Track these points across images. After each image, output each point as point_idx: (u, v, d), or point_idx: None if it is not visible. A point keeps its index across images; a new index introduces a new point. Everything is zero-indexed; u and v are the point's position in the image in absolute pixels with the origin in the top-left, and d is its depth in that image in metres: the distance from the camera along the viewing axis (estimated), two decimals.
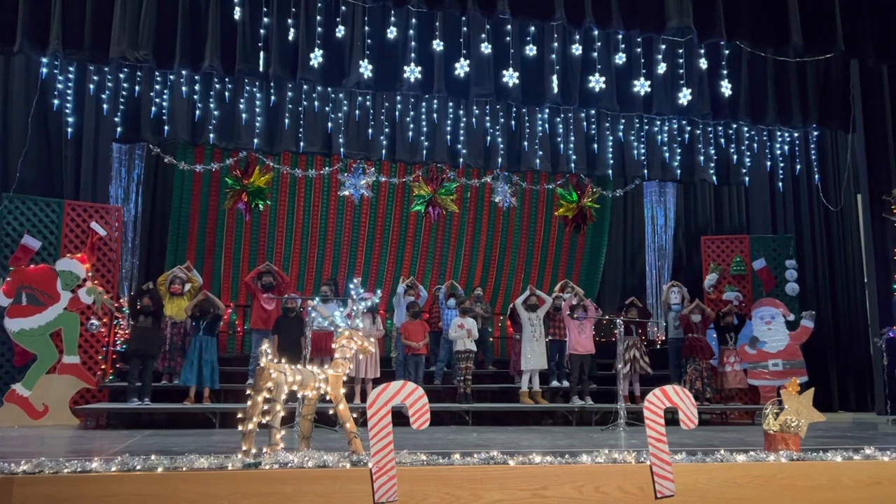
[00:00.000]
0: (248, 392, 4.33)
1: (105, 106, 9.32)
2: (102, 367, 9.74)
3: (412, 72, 8.66)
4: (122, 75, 9.24)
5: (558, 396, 10.52)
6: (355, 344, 4.78)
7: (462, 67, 8.77)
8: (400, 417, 3.91)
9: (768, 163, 11.26)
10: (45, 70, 9.07)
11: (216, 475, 3.87)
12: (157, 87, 9.34)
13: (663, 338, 12.22)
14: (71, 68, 9.23)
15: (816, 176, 11.48)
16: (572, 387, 10.13)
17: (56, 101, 9.22)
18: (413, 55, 8.73)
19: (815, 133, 11.27)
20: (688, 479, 4.33)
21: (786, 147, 11.32)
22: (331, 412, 4.62)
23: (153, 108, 9.36)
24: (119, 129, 9.36)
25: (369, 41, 8.67)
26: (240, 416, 4.29)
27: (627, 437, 7.34)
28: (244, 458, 4.00)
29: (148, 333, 9.12)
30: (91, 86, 9.24)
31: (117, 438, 6.75)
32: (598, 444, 6.36)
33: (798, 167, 11.63)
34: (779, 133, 11.10)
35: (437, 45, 8.75)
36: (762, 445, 5.03)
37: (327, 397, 4.58)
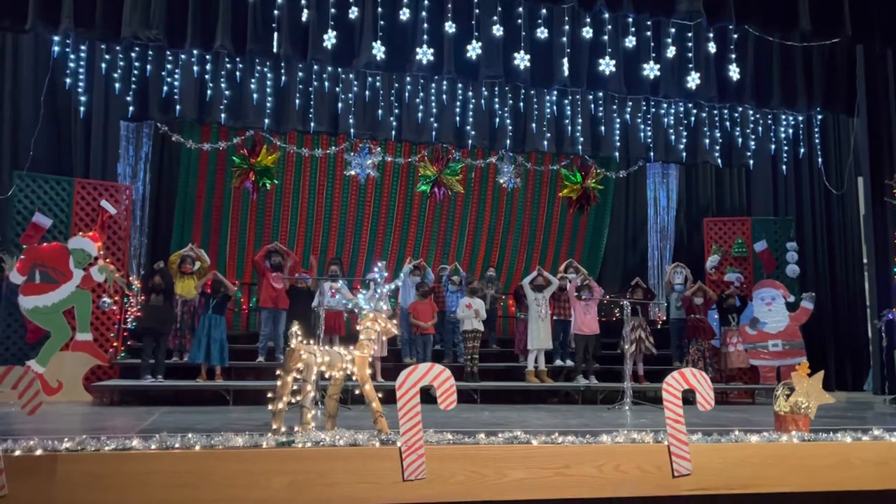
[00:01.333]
0: (277, 372, 4.44)
1: (117, 85, 9.32)
2: (114, 344, 9.85)
3: (424, 53, 8.70)
4: (133, 54, 9.24)
5: (562, 376, 10.69)
6: (379, 326, 4.90)
7: (473, 49, 8.81)
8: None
9: (772, 146, 11.36)
10: (56, 49, 9.07)
11: (251, 453, 4.00)
12: (169, 66, 9.35)
13: (664, 318, 12.38)
14: (83, 47, 9.23)
15: (819, 159, 11.59)
16: (577, 366, 10.31)
17: (68, 80, 9.23)
18: (425, 37, 8.76)
19: (819, 117, 11.36)
20: (703, 459, 4.48)
21: (790, 130, 11.42)
22: (356, 392, 4.74)
23: (164, 88, 9.37)
24: (131, 108, 9.36)
25: (382, 22, 8.70)
26: (269, 395, 4.41)
27: (634, 416, 7.50)
28: (277, 437, 4.12)
29: (159, 311, 9.22)
30: (103, 65, 9.24)
31: (137, 415, 6.87)
32: (608, 423, 6.52)
33: (802, 150, 11.74)
34: (783, 116, 11.18)
35: (449, 27, 8.78)
36: (771, 426, 5.18)
37: (353, 378, 4.71)
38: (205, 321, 9.21)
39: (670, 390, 4.50)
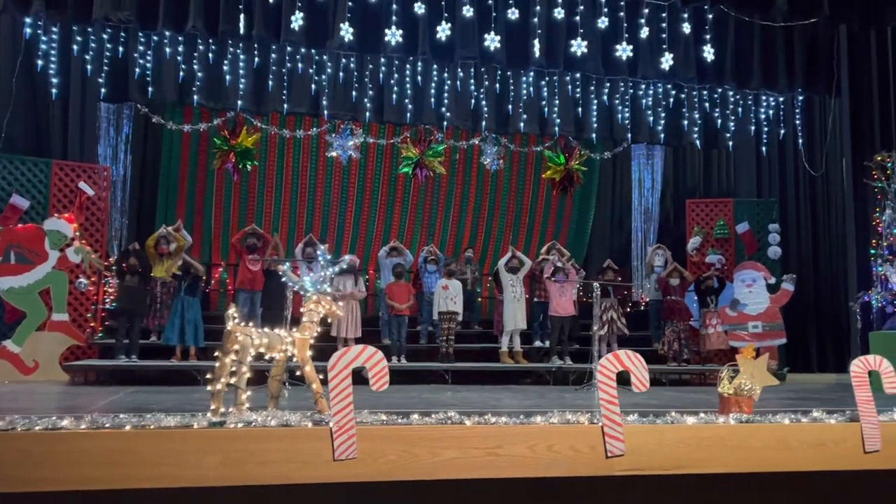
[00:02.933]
0: (216, 354, 4.50)
1: (89, 67, 9.34)
2: (92, 324, 9.94)
3: (393, 35, 8.68)
4: (105, 36, 9.24)
5: (541, 356, 10.74)
6: (323, 308, 4.94)
7: (444, 31, 8.79)
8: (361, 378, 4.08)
9: (752, 127, 11.29)
10: (28, 31, 9.08)
11: (182, 433, 4.06)
12: (141, 48, 9.35)
13: (648, 299, 12.39)
14: (55, 29, 9.23)
15: (800, 140, 11.52)
16: (552, 347, 10.35)
17: (40, 62, 9.24)
18: (395, 18, 8.73)
19: (801, 98, 11.28)
20: (638, 440, 4.51)
21: (770, 112, 11.34)
22: (297, 373, 4.80)
23: (137, 69, 9.37)
24: (103, 90, 9.38)
25: (350, 4, 8.67)
26: (208, 376, 4.46)
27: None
28: (211, 417, 4.18)
29: (134, 292, 9.31)
30: (75, 46, 9.25)
31: (100, 395, 6.96)
32: (567, 404, 6.54)
33: (783, 132, 11.67)
34: (764, 98, 11.11)
35: (419, 8, 8.75)
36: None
37: (294, 359, 4.76)
38: (178, 303, 9.30)
39: (604, 372, 4.52)
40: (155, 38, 9.32)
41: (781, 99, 11.28)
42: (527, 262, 10.57)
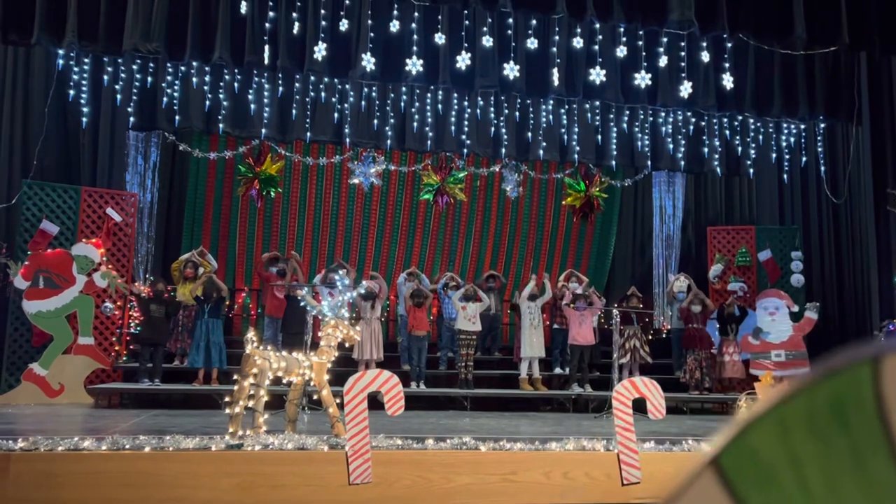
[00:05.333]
0: (234, 377, 4.57)
1: (119, 96, 9.60)
2: (116, 348, 10.10)
3: (414, 65, 8.83)
4: (135, 66, 9.50)
5: (561, 383, 10.70)
6: (340, 333, 5.00)
7: (464, 60, 8.92)
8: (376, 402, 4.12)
9: (774, 154, 11.26)
10: (61, 62, 9.36)
11: (199, 455, 4.13)
12: (170, 77, 9.59)
13: (669, 327, 12.32)
14: (86, 60, 9.51)
15: (822, 168, 11.47)
16: (571, 374, 10.32)
17: (72, 92, 9.51)
18: (415, 48, 8.89)
19: (822, 125, 11.24)
20: (654, 468, 4.51)
21: (792, 139, 11.31)
22: (315, 397, 4.85)
23: (165, 99, 9.61)
24: (132, 119, 9.63)
25: (372, 34, 8.84)
26: (227, 399, 4.54)
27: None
28: (228, 440, 4.25)
29: (158, 323, 9.49)
30: (105, 77, 9.51)
31: (123, 418, 7.06)
32: (584, 432, 6.53)
33: (804, 159, 11.62)
34: (785, 125, 11.09)
35: (440, 39, 8.90)
36: None
37: (312, 383, 4.82)
38: (202, 326, 9.44)
39: (620, 398, 4.53)
40: (182, 68, 9.56)
41: (803, 126, 11.25)
42: (547, 290, 10.59)
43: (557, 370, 10.77)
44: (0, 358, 9.49)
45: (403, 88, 9.85)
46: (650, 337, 11.64)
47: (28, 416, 7.24)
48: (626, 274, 14.19)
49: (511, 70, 9.00)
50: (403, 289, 10.80)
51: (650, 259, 13.73)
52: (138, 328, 10.25)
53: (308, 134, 9.88)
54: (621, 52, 9.40)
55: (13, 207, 9.92)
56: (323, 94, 9.83)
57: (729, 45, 9.66)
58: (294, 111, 9.75)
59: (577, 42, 9.24)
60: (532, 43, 9.09)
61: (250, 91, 9.71)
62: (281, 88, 9.72)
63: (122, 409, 8.74)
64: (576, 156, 10.63)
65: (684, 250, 13.35)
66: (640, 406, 4.62)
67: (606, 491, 4.48)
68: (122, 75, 9.53)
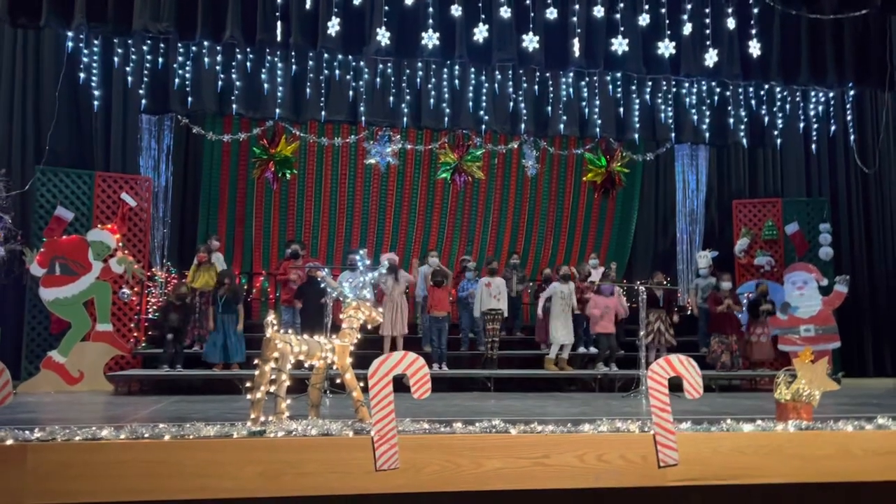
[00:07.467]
0: (255, 362, 4.43)
1: (130, 79, 9.44)
2: (135, 334, 10.01)
3: (430, 38, 8.59)
4: (145, 47, 9.32)
5: (585, 363, 10.53)
6: (363, 314, 4.84)
7: (482, 33, 8.67)
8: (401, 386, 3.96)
9: (801, 124, 10.93)
10: (70, 44, 9.19)
11: (221, 443, 3.98)
12: (181, 58, 9.41)
13: (694, 306, 12.05)
14: (96, 42, 9.35)
15: (852, 137, 11.13)
16: (600, 353, 10.15)
17: (82, 75, 9.36)
18: (431, 21, 8.64)
19: (852, 93, 10.88)
20: (692, 448, 4.31)
21: (820, 108, 10.97)
22: (338, 381, 4.70)
23: (177, 80, 9.43)
24: (143, 101, 9.47)
25: (387, 8, 8.60)
26: (248, 384, 4.39)
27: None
28: (250, 427, 4.10)
29: (179, 317, 9.38)
30: (116, 59, 9.35)
31: (144, 405, 6.97)
32: (614, 412, 6.36)
33: (833, 128, 11.28)
34: (813, 93, 10.74)
35: (456, 11, 8.65)
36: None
37: (335, 367, 4.67)
38: (218, 322, 9.34)
39: (656, 377, 4.33)
40: (194, 48, 9.37)
41: (831, 94, 10.89)
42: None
43: (581, 349, 10.58)
44: (19, 346, 9.44)
45: (419, 64, 9.62)
46: (675, 318, 11.27)
47: (48, 404, 7.17)
48: (649, 251, 13.95)
49: (530, 42, 8.73)
50: (421, 270, 10.64)
51: (673, 235, 13.45)
52: (157, 314, 10.14)
53: (323, 113, 9.68)
54: (644, 20, 9.10)
55: (27, 194, 9.82)
56: (337, 72, 9.62)
57: (755, 10, 9.32)
58: (308, 90, 9.55)
59: (598, 11, 8.95)
60: (551, 13, 8.81)
61: (263, 70, 9.52)
62: (294, 67, 9.52)
63: (142, 395, 8.66)
64: (597, 130, 10.37)
65: (708, 225, 13.05)
66: (671, 385, 4.42)
67: (643, 474, 4.29)
68: (133, 57, 9.35)
